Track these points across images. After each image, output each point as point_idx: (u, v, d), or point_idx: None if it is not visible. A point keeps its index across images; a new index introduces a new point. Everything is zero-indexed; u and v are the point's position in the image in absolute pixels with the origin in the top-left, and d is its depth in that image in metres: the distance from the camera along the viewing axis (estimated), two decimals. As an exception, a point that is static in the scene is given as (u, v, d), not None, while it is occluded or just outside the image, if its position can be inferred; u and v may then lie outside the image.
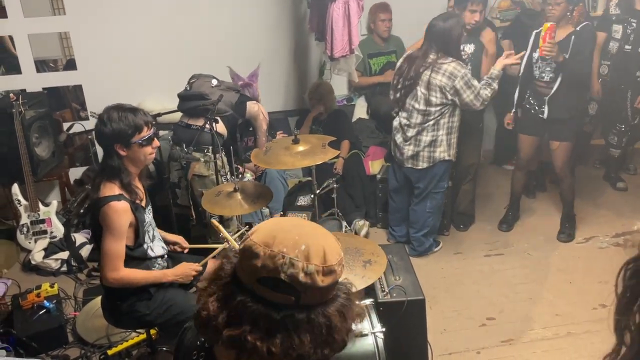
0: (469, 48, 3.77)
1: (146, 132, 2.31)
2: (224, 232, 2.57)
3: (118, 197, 2.26)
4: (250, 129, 3.90)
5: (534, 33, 3.63)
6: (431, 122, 3.43)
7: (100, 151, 4.40)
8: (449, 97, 3.35)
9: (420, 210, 3.70)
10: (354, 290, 1.13)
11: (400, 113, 3.56)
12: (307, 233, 1.07)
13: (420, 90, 3.38)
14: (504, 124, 4.08)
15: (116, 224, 2.24)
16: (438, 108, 3.39)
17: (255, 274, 1.02)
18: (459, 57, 3.42)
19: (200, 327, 1.08)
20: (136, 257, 2.37)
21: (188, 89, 3.53)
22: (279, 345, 1.00)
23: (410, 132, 3.49)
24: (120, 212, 2.24)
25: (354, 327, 1.09)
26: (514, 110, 3.86)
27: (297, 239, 1.03)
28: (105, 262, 2.28)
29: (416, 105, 3.42)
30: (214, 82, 3.53)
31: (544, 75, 3.61)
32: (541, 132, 3.79)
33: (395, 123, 3.60)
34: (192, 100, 3.43)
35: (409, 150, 3.53)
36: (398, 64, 3.59)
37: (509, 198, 4.18)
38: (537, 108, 3.70)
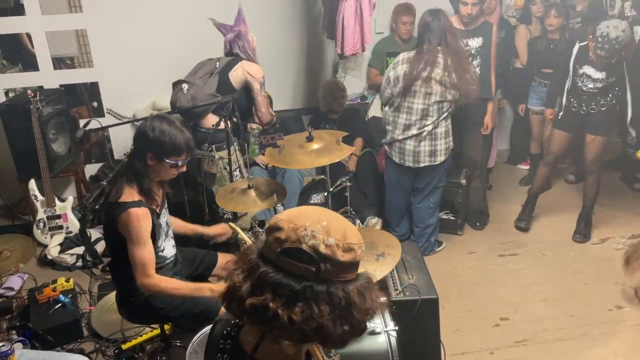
0: (476, 42, 3.70)
1: (182, 158, 2.30)
2: (242, 234, 2.55)
3: (138, 204, 2.24)
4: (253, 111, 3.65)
5: (577, 46, 3.57)
6: (445, 115, 3.40)
7: (115, 149, 4.52)
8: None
9: (424, 207, 3.69)
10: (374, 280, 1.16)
11: (407, 116, 3.41)
12: (330, 214, 1.14)
13: (436, 87, 3.30)
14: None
15: (138, 231, 2.21)
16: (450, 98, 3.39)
17: (279, 244, 1.07)
18: None
19: (226, 299, 1.13)
20: None
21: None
22: (299, 313, 1.03)
23: (427, 129, 3.39)
24: (141, 217, 2.21)
25: (373, 311, 1.10)
26: (558, 109, 3.81)
27: (320, 217, 1.10)
28: (135, 269, 2.24)
29: (432, 100, 3.33)
30: (185, 86, 3.35)
31: (584, 88, 3.61)
32: (577, 128, 3.77)
33: (402, 124, 3.47)
34: (190, 110, 3.31)
35: (425, 146, 3.44)
36: (400, 71, 3.35)
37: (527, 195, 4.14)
38: (576, 106, 3.68)
